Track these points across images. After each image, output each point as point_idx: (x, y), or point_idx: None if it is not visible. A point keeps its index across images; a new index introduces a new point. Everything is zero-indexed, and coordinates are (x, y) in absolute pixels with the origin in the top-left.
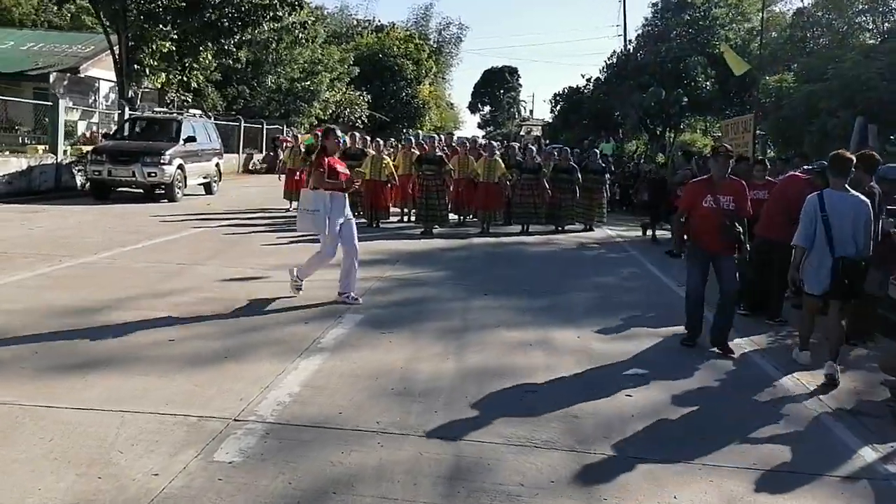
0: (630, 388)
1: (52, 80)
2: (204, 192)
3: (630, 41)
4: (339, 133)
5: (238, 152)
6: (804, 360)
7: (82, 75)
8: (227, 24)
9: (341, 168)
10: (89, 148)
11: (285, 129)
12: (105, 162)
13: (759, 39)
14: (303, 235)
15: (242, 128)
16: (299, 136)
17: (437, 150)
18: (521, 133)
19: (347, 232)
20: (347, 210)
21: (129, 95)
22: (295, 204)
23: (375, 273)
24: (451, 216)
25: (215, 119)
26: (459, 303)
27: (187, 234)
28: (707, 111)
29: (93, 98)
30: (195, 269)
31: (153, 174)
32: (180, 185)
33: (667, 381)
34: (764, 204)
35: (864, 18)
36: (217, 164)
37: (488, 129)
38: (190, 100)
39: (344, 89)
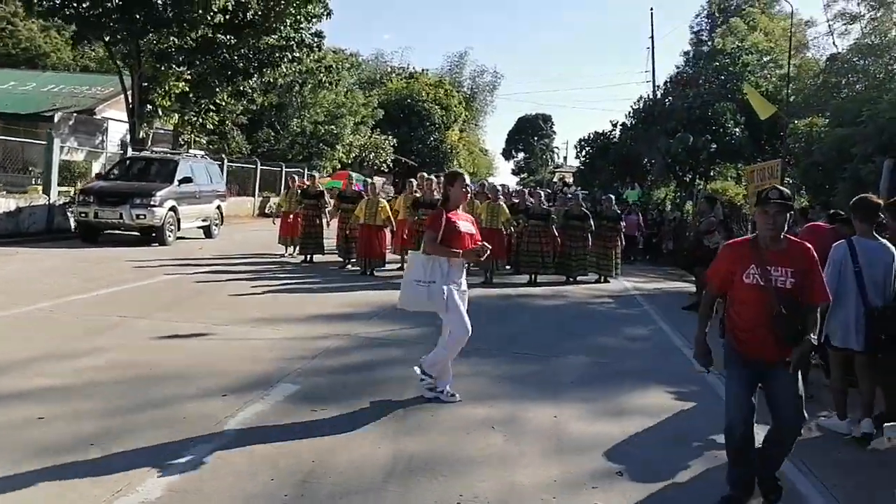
0: (598, 494)
1: (56, 119)
2: (203, 236)
3: (658, 87)
4: (467, 179)
5: (254, 195)
6: (844, 430)
7: (98, 116)
8: (242, 64)
9: (466, 226)
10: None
11: (305, 171)
12: (92, 203)
13: (790, 85)
14: (279, 285)
15: (259, 170)
16: (297, 178)
17: (434, 194)
18: (554, 179)
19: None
20: (464, 280)
21: (141, 136)
22: (290, 249)
23: (342, 329)
24: None
25: (235, 161)
26: None
27: (155, 281)
28: (738, 158)
29: (100, 138)
30: (134, 323)
31: (142, 216)
32: (172, 227)
33: (651, 487)
34: None
35: None
36: (219, 207)
37: (522, 175)
38: (204, 141)
39: (369, 133)
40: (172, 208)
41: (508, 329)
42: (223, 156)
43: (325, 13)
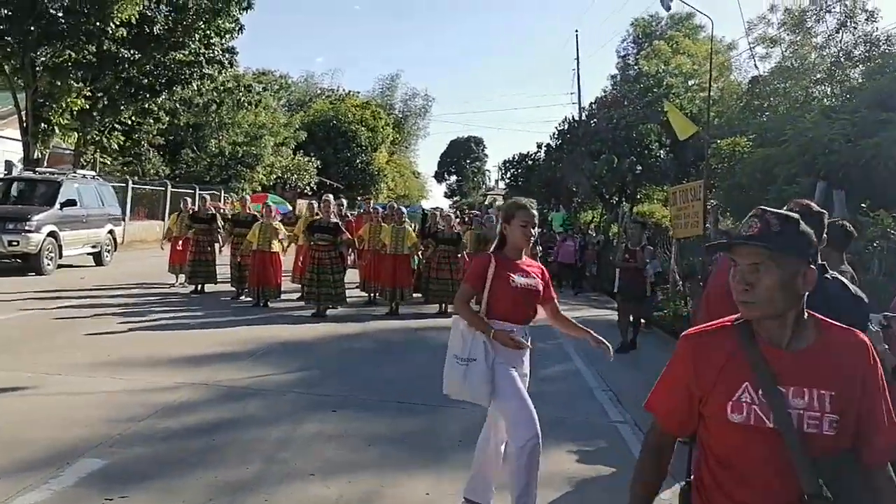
0: None
1: None
2: (94, 263)
3: (584, 108)
4: (532, 212)
5: (164, 219)
6: None
7: None
8: (147, 81)
9: (526, 281)
10: None
11: (222, 193)
12: None
13: (713, 108)
14: (150, 321)
15: (169, 192)
16: (189, 200)
17: (332, 216)
18: (485, 203)
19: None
20: (526, 362)
21: (36, 156)
22: (181, 278)
23: (202, 376)
24: (361, 293)
25: (148, 183)
26: (284, 427)
27: (3, 318)
28: (664, 180)
29: None
30: None
31: (15, 242)
32: (52, 255)
33: None
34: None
35: (823, 88)
36: (111, 232)
37: (455, 198)
38: (110, 162)
39: (291, 154)
40: (52, 233)
41: (401, 372)
42: (127, 177)
43: (237, 28)
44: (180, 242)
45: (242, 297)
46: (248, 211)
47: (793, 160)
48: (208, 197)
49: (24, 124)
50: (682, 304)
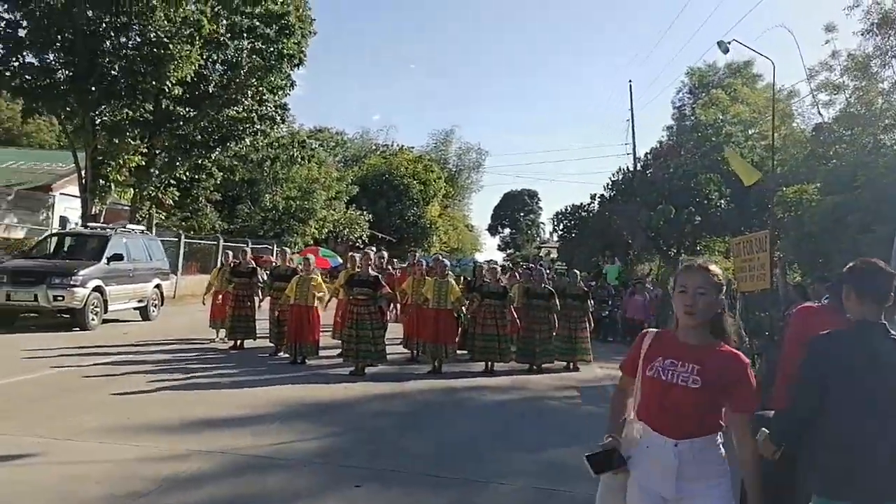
0: None
1: None
2: (140, 318)
3: (639, 159)
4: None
5: None
6: None
7: (56, 192)
8: (201, 138)
9: (675, 373)
10: None
11: (274, 248)
12: (4, 283)
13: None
14: (181, 379)
15: (221, 247)
16: (230, 253)
17: (371, 269)
18: (540, 255)
19: None
20: (673, 484)
21: (94, 212)
22: (221, 334)
23: (220, 442)
24: (404, 350)
25: (203, 238)
26: None
27: (33, 376)
28: (724, 231)
29: (45, 215)
30: None
31: (60, 297)
32: (97, 310)
33: None
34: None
35: (892, 135)
36: (158, 286)
37: (508, 251)
38: (164, 217)
39: (343, 208)
40: (98, 288)
41: (437, 438)
42: (180, 232)
43: (288, 84)
44: (220, 297)
45: (281, 354)
46: (288, 264)
47: (867, 207)
48: (249, 250)
49: (84, 181)
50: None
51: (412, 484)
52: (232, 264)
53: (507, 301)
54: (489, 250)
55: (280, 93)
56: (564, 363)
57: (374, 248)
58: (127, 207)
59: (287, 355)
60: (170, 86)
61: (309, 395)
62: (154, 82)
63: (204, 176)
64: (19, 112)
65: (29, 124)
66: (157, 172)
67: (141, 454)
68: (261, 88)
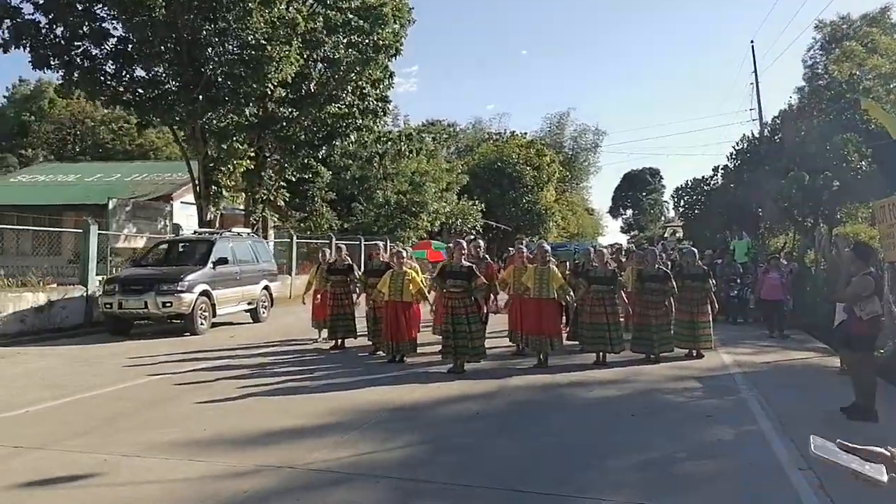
0: None
1: (111, 206)
2: (251, 320)
3: (766, 124)
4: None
5: None
6: None
7: (176, 202)
8: (304, 137)
9: None
10: None
11: (388, 243)
12: (117, 292)
13: None
14: (273, 383)
15: (334, 245)
16: (327, 251)
17: (464, 259)
18: (665, 235)
19: None
20: None
21: (209, 218)
22: (323, 334)
23: (290, 455)
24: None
25: (316, 238)
26: None
27: (126, 385)
28: (867, 196)
29: (162, 223)
30: (15, 459)
31: (168, 304)
32: (205, 314)
33: None
34: None
35: None
36: (266, 287)
37: (632, 233)
38: (278, 218)
39: (455, 199)
40: (205, 293)
41: (529, 442)
42: (292, 232)
43: (387, 76)
44: (319, 296)
45: (379, 353)
46: (382, 259)
47: None
48: (343, 247)
49: (197, 189)
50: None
51: (491, 501)
52: (329, 262)
53: (616, 286)
54: (612, 233)
55: (381, 86)
56: (685, 351)
57: (464, 239)
58: (234, 212)
59: (383, 354)
60: (272, 88)
61: (400, 397)
62: (255, 85)
63: (311, 175)
64: (153, 130)
65: (160, 138)
66: (267, 175)
67: (202, 472)
68: (360, 83)
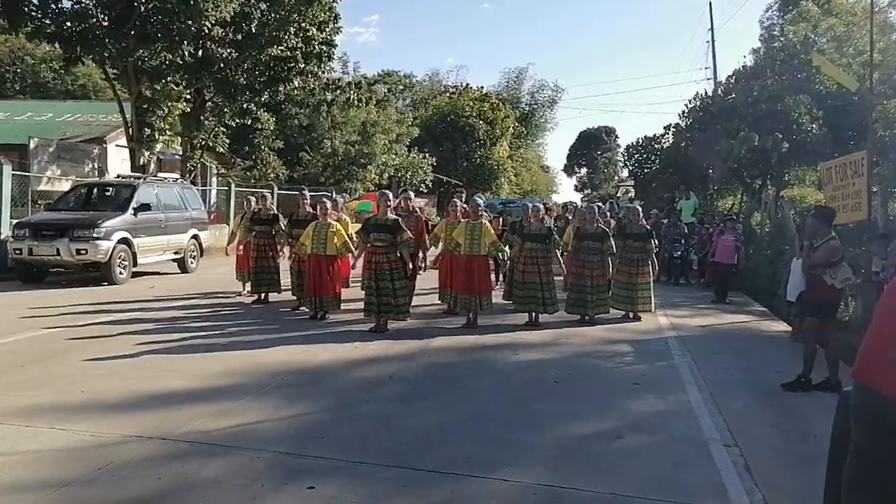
0: None
1: (32, 146)
2: (179, 270)
3: (720, 83)
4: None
5: None
6: None
7: (111, 145)
8: (245, 81)
9: None
10: None
11: (333, 194)
12: (26, 238)
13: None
14: (175, 340)
15: (276, 195)
16: (253, 199)
17: (389, 212)
18: (618, 194)
19: None
20: None
21: (142, 163)
22: (249, 287)
23: (171, 424)
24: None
25: (252, 186)
26: None
27: (15, 339)
28: (816, 159)
29: (90, 166)
30: None
31: (83, 251)
32: (125, 263)
33: None
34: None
35: None
36: (195, 237)
37: (585, 191)
38: (220, 166)
39: (406, 152)
40: (124, 240)
41: (440, 411)
42: (230, 180)
43: (332, 17)
44: (241, 247)
45: (303, 308)
46: (307, 209)
47: None
48: (269, 195)
49: (130, 132)
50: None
51: (382, 481)
52: (252, 211)
53: (552, 244)
54: (566, 191)
55: (326, 29)
56: (622, 313)
57: (403, 188)
58: (170, 157)
59: (307, 310)
60: (209, 26)
61: (310, 359)
62: (190, 22)
63: (251, 121)
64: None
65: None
66: (206, 119)
67: (62, 443)
68: (304, 24)
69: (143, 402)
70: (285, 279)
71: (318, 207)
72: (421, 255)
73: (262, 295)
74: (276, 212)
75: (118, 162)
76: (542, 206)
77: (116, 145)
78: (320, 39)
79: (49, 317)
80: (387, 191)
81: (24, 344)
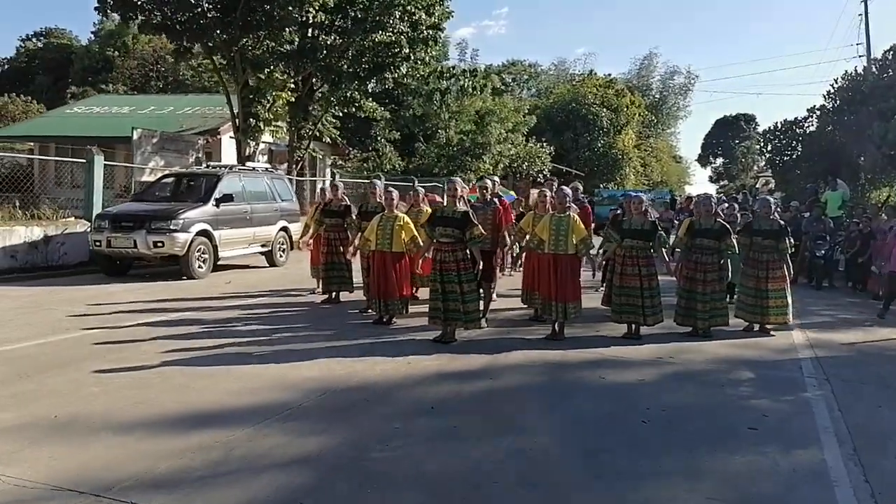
0: None
1: (135, 137)
2: (267, 264)
3: (874, 60)
4: None
5: None
6: None
7: (225, 136)
8: (349, 68)
9: None
10: None
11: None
12: (105, 229)
13: None
14: (225, 344)
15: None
16: (327, 190)
17: (459, 203)
18: (757, 185)
19: None
20: None
21: (248, 153)
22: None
23: (127, 461)
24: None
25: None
26: None
27: (37, 342)
28: None
29: (194, 157)
30: None
31: (160, 244)
32: (204, 256)
33: None
34: None
35: None
36: (284, 229)
37: (721, 182)
38: (333, 157)
39: (522, 141)
40: (204, 232)
41: (477, 463)
42: (335, 172)
43: (438, 1)
44: (310, 241)
45: (371, 311)
46: (377, 200)
47: None
48: (340, 184)
49: (236, 122)
50: None
51: None
52: (324, 203)
53: (657, 241)
54: (700, 182)
55: (435, 12)
56: (747, 324)
57: (495, 179)
58: (279, 147)
59: (373, 313)
60: (312, 12)
61: (349, 376)
62: (292, 9)
63: (355, 109)
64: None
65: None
66: (313, 109)
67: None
68: (409, 7)
69: (114, 433)
70: (359, 276)
71: (385, 198)
72: (499, 252)
73: (333, 294)
74: (348, 203)
75: (231, 153)
76: (643, 197)
77: (230, 137)
78: (428, 24)
79: (98, 315)
80: (455, 178)
81: (47, 348)
